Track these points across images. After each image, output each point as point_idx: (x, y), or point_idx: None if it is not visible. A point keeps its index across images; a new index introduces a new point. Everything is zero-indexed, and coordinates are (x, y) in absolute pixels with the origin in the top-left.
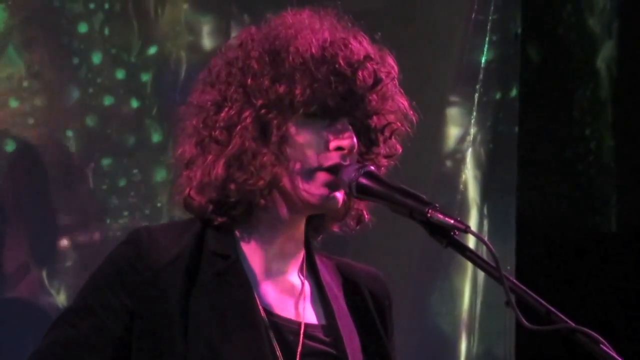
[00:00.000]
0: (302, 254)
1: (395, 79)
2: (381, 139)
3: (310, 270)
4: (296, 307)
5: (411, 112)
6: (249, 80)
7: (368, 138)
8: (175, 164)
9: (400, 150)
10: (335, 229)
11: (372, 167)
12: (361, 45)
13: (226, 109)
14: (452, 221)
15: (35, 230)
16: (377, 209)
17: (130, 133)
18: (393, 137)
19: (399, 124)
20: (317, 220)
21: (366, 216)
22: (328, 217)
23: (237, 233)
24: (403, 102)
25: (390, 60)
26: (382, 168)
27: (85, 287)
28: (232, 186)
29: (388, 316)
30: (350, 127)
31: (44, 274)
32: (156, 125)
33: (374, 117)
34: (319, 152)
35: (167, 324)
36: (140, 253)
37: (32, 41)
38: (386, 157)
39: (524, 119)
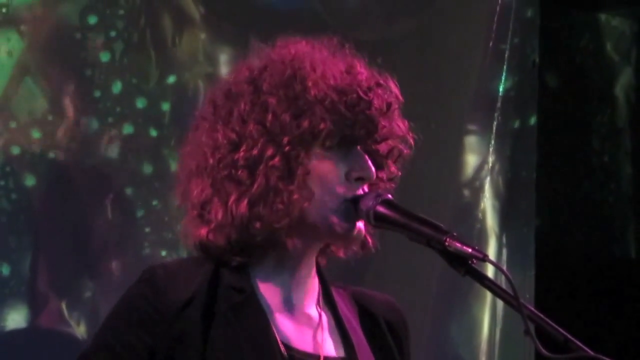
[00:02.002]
0: (317, 286)
1: (399, 104)
2: (387, 163)
3: (327, 301)
4: (314, 340)
5: (410, 135)
6: (269, 117)
7: (375, 162)
8: (182, 205)
9: (400, 174)
10: (340, 254)
11: (389, 196)
12: (368, 72)
13: (244, 148)
14: (470, 250)
15: (54, 262)
16: (395, 239)
17: (148, 162)
18: (397, 161)
19: (402, 148)
20: (323, 245)
21: (370, 241)
22: (339, 244)
23: (251, 268)
24: (403, 125)
25: (392, 84)
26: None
27: (104, 325)
28: (258, 225)
29: (405, 346)
30: (365, 156)
31: (64, 305)
32: (174, 154)
33: (382, 142)
34: (341, 183)
35: None
36: (158, 291)
37: (51, 71)
38: (389, 180)
39: (543, 147)
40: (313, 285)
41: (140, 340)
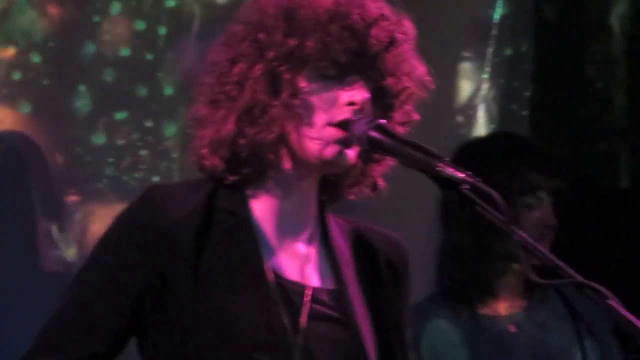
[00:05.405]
0: (314, 218)
1: (412, 43)
2: (397, 103)
3: (323, 234)
4: (304, 271)
5: (428, 78)
6: (262, 35)
7: (383, 102)
8: (190, 124)
9: (418, 118)
10: (351, 196)
11: (383, 121)
12: (377, 5)
13: (239, 65)
14: (462, 175)
15: (45, 182)
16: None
17: (143, 85)
18: (409, 103)
19: (415, 89)
20: (332, 186)
21: (380, 183)
22: (343, 182)
23: (248, 192)
24: (420, 67)
25: (408, 23)
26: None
27: (98, 245)
28: (242, 141)
29: (402, 284)
30: (362, 84)
31: (54, 228)
32: (169, 78)
33: (390, 80)
34: (330, 107)
35: (178, 281)
36: (154, 210)
37: None
38: (402, 124)
39: (537, 75)
40: (310, 217)
41: (133, 258)
